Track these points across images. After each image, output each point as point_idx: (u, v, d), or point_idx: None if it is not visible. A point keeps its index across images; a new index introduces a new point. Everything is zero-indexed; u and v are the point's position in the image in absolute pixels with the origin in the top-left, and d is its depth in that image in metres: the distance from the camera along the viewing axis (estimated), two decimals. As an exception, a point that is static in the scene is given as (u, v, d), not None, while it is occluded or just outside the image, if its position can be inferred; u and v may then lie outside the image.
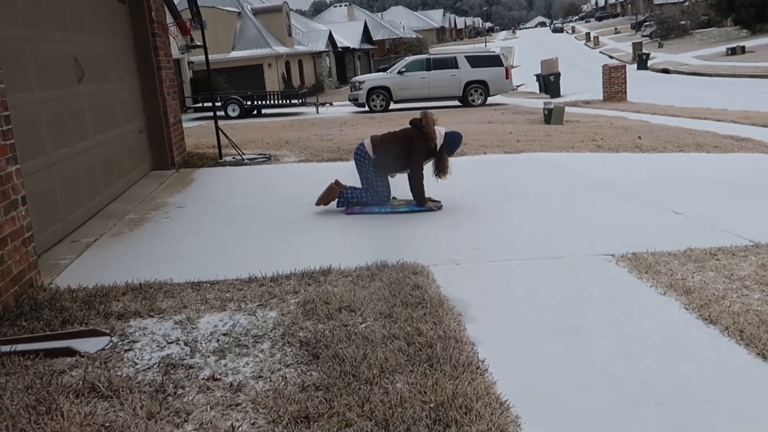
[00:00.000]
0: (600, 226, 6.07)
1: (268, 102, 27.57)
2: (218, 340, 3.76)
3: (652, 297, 4.26)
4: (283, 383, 3.22)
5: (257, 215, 6.98)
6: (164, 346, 3.72)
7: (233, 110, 26.44)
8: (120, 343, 3.80)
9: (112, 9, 8.65)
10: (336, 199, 7.04)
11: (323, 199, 7.06)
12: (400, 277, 4.59)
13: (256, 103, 27.35)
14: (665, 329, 3.78)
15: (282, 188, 8.47)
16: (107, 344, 3.77)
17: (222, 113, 25.60)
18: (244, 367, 3.44)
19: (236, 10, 40.48)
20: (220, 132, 11.02)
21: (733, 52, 42.33)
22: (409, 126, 7.02)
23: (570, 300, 4.28)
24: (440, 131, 6.87)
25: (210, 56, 11.39)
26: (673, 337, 3.68)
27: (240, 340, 3.76)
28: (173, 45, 10.77)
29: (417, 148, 6.81)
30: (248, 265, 5.04)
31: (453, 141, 6.97)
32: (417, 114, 7.05)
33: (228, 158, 10.75)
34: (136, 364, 3.53)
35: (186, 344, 3.73)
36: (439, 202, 7.00)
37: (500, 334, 3.80)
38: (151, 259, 5.51)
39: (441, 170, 6.93)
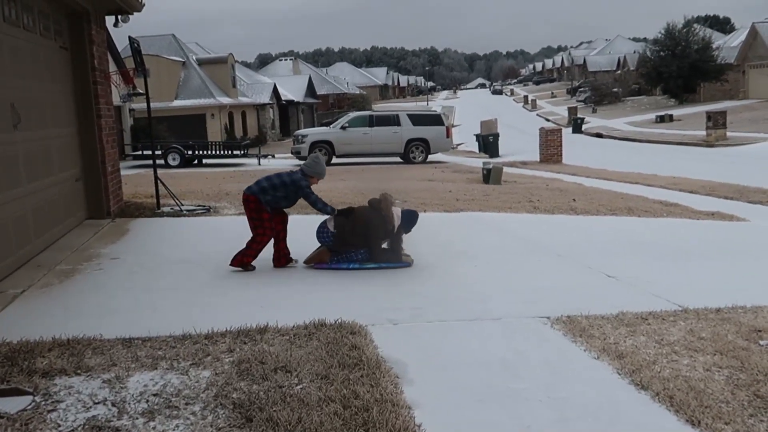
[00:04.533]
0: (536, 288, 6.17)
1: (209, 152, 27.41)
2: (148, 401, 3.64)
3: (586, 361, 4.33)
4: (214, 447, 3.13)
5: (194, 269, 6.86)
6: (90, 407, 3.58)
7: (174, 159, 26.16)
8: (43, 402, 3.63)
9: (53, 55, 8.54)
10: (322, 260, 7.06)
11: (313, 259, 7.04)
12: (337, 337, 4.55)
13: (197, 152, 27.15)
14: (599, 394, 3.83)
15: (221, 241, 8.34)
16: (29, 404, 3.61)
17: (162, 162, 25.30)
18: (174, 430, 3.33)
19: (181, 59, 40.40)
20: (158, 182, 10.86)
21: (661, 119, 44.30)
22: (367, 206, 7.13)
23: (507, 362, 4.31)
24: (397, 212, 7.03)
25: (152, 104, 11.30)
26: (606, 402, 3.73)
27: (171, 401, 3.64)
28: (115, 93, 10.65)
29: (374, 230, 6.92)
30: (183, 321, 4.93)
31: (409, 220, 7.13)
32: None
33: (166, 209, 10.58)
34: (60, 426, 3.38)
35: (113, 405, 3.60)
36: (409, 255, 7.12)
37: (438, 397, 3.78)
38: (80, 313, 5.33)
39: (394, 252, 7.08)
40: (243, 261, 6.80)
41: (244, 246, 6.81)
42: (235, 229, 9.20)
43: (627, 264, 7.15)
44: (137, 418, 3.44)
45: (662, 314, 5.27)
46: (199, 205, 11.07)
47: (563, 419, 3.52)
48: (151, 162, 12.16)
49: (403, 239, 7.09)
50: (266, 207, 6.83)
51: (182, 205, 10.87)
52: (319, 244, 7.06)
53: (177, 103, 38.52)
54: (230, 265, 6.80)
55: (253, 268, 6.83)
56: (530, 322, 5.13)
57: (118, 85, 10.73)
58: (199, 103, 38.62)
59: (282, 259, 7.01)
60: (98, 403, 3.63)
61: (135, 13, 10.59)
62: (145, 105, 11.09)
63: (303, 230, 7.39)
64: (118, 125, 28.76)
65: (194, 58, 42.66)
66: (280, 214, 7.11)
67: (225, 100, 39.91)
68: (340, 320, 4.92)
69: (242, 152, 27.37)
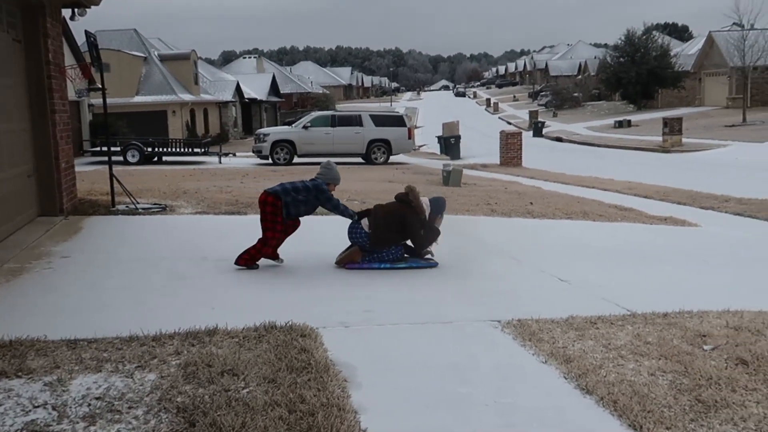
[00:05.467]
0: (490, 291, 6.22)
1: (170, 149, 27.09)
2: (90, 405, 3.57)
3: (534, 365, 4.37)
4: (155, 453, 3.08)
5: (146, 268, 6.76)
6: (29, 411, 3.50)
7: (133, 156, 25.79)
8: (-20, 406, 3.54)
9: (6, 48, 8.34)
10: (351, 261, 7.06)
11: (344, 259, 7.03)
12: (287, 340, 4.52)
13: (157, 150, 26.81)
14: (545, 399, 3.87)
15: (175, 241, 8.25)
16: (-34, 408, 3.51)
17: (121, 159, 24.92)
18: (115, 434, 3.27)
19: (142, 55, 39.82)
20: (114, 179, 10.68)
21: (620, 125, 45.04)
22: (396, 201, 7.20)
23: (456, 366, 4.33)
24: (425, 201, 7.14)
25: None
26: (551, 407, 3.77)
27: (113, 404, 3.58)
28: (70, 87, 10.45)
29: (410, 224, 6.99)
30: (130, 322, 4.85)
31: (438, 206, 7.24)
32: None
33: (121, 207, 10.41)
34: (-4, 430, 3.30)
35: (54, 408, 3.52)
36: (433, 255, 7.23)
37: (385, 401, 3.78)
38: (26, 313, 5.21)
39: (430, 241, 7.16)
40: (252, 261, 6.80)
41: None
42: (191, 228, 9.11)
43: (580, 268, 7.25)
44: (77, 423, 3.37)
45: (611, 318, 5.34)
46: (155, 204, 10.92)
47: (509, 424, 3.55)
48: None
49: (440, 232, 7.19)
50: (282, 211, 6.80)
51: (138, 203, 10.71)
52: (350, 244, 7.09)
53: (138, 99, 37.98)
54: (235, 263, 6.80)
55: (257, 266, 6.83)
56: (481, 326, 5.16)
57: (74, 80, 10.51)
58: (161, 99, 38.11)
59: (251, 261, 6.89)
60: (38, 406, 3.55)
61: (93, 7, 10.40)
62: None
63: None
64: (75, 121, 28.23)
65: (156, 53, 42.10)
66: (293, 221, 7.09)
67: (187, 97, 39.46)
68: (290, 323, 4.89)
69: (203, 150, 27.10)
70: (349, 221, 7.11)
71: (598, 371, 4.21)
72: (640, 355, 4.53)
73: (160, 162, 26.62)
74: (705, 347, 4.67)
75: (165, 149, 27.05)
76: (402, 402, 3.78)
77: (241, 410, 3.45)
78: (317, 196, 6.94)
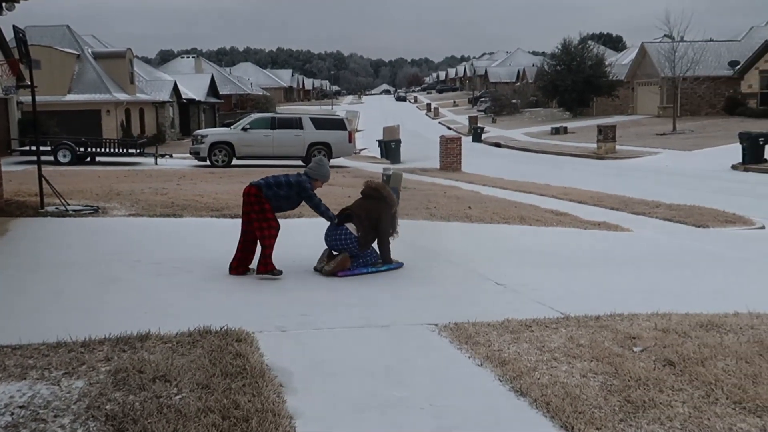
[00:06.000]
0: (427, 295, 6.25)
1: (103, 150, 26.39)
2: (12, 414, 3.43)
3: (470, 368, 4.41)
4: (81, 463, 2.98)
5: (76, 272, 6.56)
6: (-53, 421, 3.35)
7: (64, 156, 25.02)
8: None
9: (-75, 42, 7.99)
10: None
11: (336, 268, 6.84)
12: (222, 345, 4.45)
13: (90, 150, 26.08)
14: (480, 401, 3.90)
15: (107, 243, 8.04)
16: None
17: (51, 159, 24.14)
18: (40, 444, 3.16)
19: (75, 52, 38.68)
20: (43, 179, 10.34)
21: (557, 131, 46.01)
22: (366, 198, 7.18)
23: (392, 370, 4.33)
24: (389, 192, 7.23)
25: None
26: (486, 409, 3.80)
27: (38, 413, 3.45)
28: (-3, 84, 10.09)
29: (385, 219, 7.00)
30: (58, 328, 4.69)
31: (397, 192, 7.44)
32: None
33: (51, 208, 10.09)
34: None
35: (-26, 418, 3.37)
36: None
37: (321, 406, 3.75)
38: (-55, 319, 4.99)
39: (394, 229, 7.25)
40: (267, 268, 6.57)
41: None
42: (124, 230, 8.89)
43: (516, 272, 7.35)
44: (-1, 433, 3.24)
45: (545, 321, 5.43)
46: (86, 205, 10.62)
47: (444, 427, 3.56)
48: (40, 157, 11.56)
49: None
50: (266, 201, 6.60)
51: (68, 204, 10.40)
52: (333, 251, 6.98)
53: (70, 97, 36.87)
54: (257, 273, 6.58)
55: (280, 272, 6.60)
56: (418, 329, 5.18)
57: (1, 77, 10.15)
58: (94, 98, 37.09)
59: (241, 268, 6.74)
60: (-43, 416, 3.39)
61: (23, 1, 10.05)
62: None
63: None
64: (3, 119, 27.25)
65: (90, 51, 40.96)
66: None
67: (122, 96, 38.52)
68: (226, 327, 4.81)
69: (138, 151, 26.47)
70: (325, 226, 7.04)
71: (532, 373, 4.27)
72: (573, 357, 4.61)
73: (93, 163, 25.90)
74: (635, 349, 4.78)
75: (98, 149, 26.33)
76: (338, 406, 3.76)
77: (173, 417, 3.37)
78: (299, 193, 6.77)
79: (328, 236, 6.97)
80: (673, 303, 6.02)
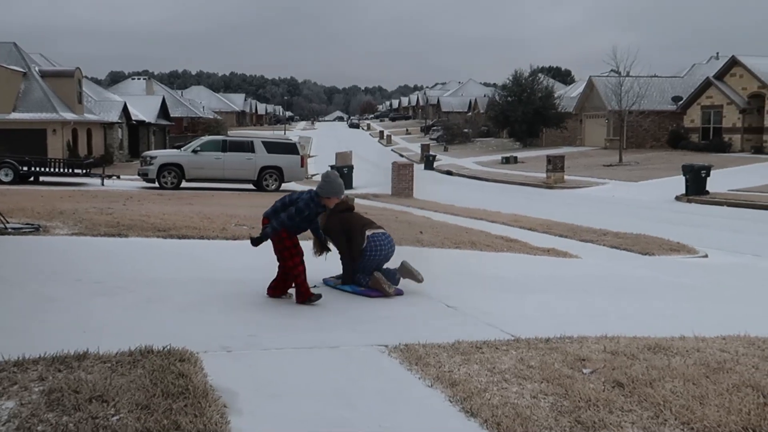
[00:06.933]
0: (377, 317, 6.16)
1: (48, 169, 25.79)
2: (-65, 436, 3.22)
3: (420, 389, 4.33)
4: (8, 486, 2.80)
5: (11, 290, 6.29)
6: None
7: (6, 174, 24.40)
8: None
9: None
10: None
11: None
12: (164, 365, 4.28)
13: (34, 169, 25.46)
14: (429, 422, 3.83)
15: (47, 262, 7.75)
16: None
17: (-8, 177, 23.48)
18: (-37, 467, 2.96)
19: (22, 69, 37.87)
20: (-18, 196, 9.98)
21: (507, 160, 46.74)
22: (346, 213, 7.25)
23: (341, 391, 4.22)
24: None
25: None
26: (437, 429, 3.73)
27: (-37, 435, 3.25)
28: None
29: (356, 235, 7.07)
30: (-10, 346, 4.46)
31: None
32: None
33: (-12, 226, 9.71)
34: None
35: None
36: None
37: (266, 427, 3.63)
38: None
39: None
40: (303, 298, 6.35)
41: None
42: (66, 249, 8.61)
43: (467, 295, 7.33)
44: None
45: (496, 343, 5.39)
46: (27, 223, 10.27)
47: (393, 448, 3.47)
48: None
49: None
50: (280, 228, 6.27)
51: (7, 222, 10.04)
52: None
53: (15, 115, 36.01)
54: (297, 303, 6.36)
55: (319, 296, 6.39)
56: (368, 350, 5.09)
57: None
58: (40, 117, 36.29)
59: (278, 290, 6.55)
60: None
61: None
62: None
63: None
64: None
65: (37, 69, 40.17)
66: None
67: (69, 116, 37.76)
68: (169, 347, 4.64)
69: (84, 171, 25.94)
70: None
71: (482, 394, 4.21)
72: (523, 378, 4.57)
73: (36, 182, 25.27)
74: (584, 371, 4.78)
75: (43, 169, 25.73)
76: (284, 428, 3.64)
77: (108, 439, 3.21)
78: (306, 207, 6.35)
79: (387, 245, 7.28)
80: (621, 327, 6.05)
